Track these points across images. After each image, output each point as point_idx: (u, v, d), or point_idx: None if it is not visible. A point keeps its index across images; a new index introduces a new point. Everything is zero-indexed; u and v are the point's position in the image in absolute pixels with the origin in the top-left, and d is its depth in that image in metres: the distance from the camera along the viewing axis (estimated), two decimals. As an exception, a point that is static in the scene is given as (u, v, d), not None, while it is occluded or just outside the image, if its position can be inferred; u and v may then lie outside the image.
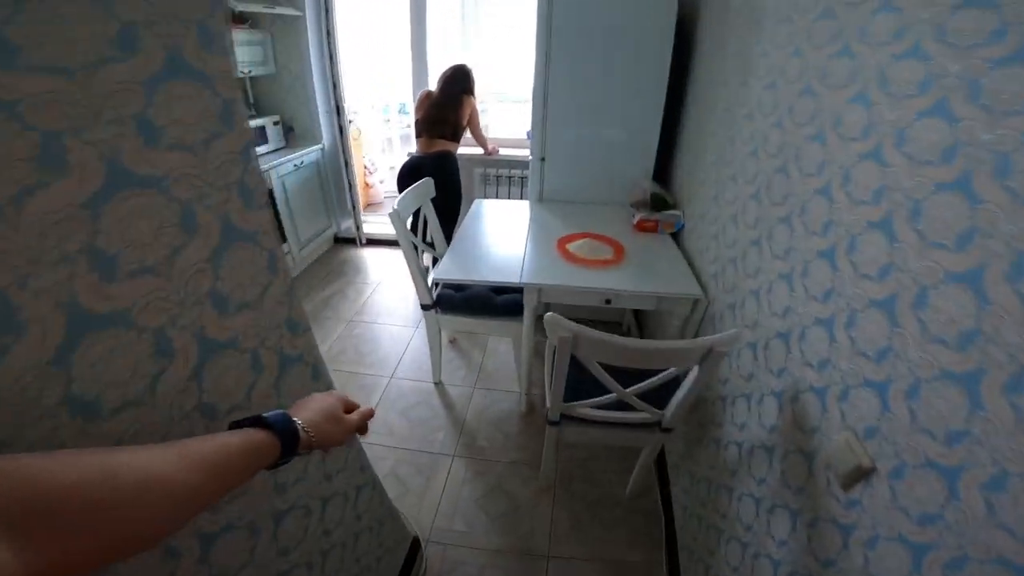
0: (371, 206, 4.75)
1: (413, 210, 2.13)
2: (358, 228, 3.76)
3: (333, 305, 3.16)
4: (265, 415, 0.54)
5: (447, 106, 2.79)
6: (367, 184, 4.64)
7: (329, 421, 0.60)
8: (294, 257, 3.35)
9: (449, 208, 2.89)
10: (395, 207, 1.91)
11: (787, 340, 1.08)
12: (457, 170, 2.88)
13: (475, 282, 1.96)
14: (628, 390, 1.30)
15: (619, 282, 1.77)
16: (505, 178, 3.30)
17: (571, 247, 1.96)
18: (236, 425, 0.53)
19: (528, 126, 3.37)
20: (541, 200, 2.49)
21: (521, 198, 3.38)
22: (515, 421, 2.25)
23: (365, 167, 4.63)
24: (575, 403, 1.45)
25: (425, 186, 2.23)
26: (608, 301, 1.79)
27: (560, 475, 1.97)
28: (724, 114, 1.69)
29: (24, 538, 0.30)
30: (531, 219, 2.30)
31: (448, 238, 2.84)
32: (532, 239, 2.09)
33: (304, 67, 3.24)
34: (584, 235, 2.06)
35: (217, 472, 0.45)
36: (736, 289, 1.44)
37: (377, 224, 4.07)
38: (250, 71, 3.03)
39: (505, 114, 3.83)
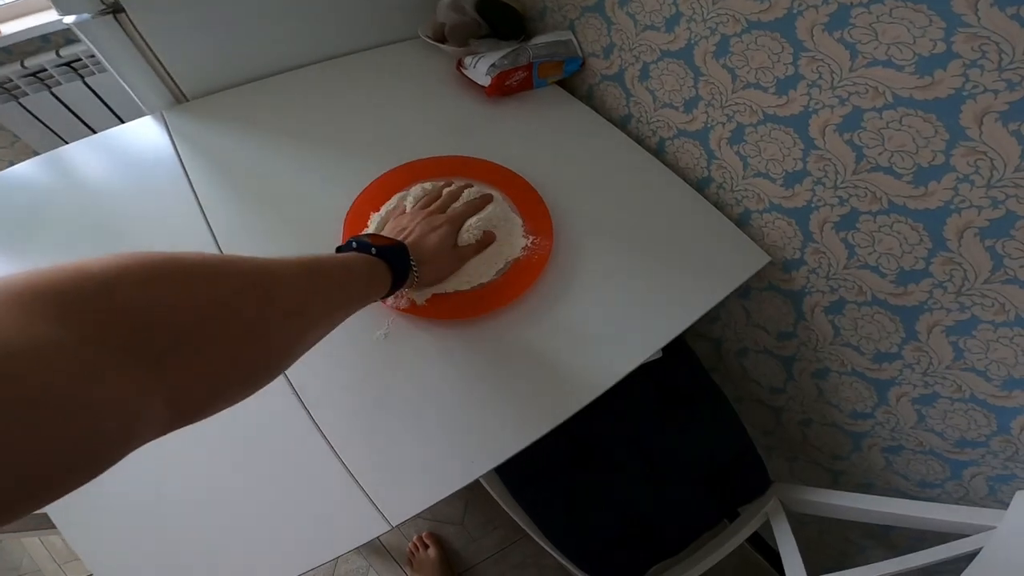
0: None
1: None
2: None
3: None
4: (383, 246, 0.51)
5: None
6: None
7: (438, 259, 0.58)
8: None
9: None
10: None
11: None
12: None
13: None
14: None
15: (591, 340, 0.63)
16: (60, 69, 1.38)
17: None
18: (356, 247, 0.50)
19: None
20: (183, 101, 0.87)
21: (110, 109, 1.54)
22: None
23: None
24: None
25: None
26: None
27: None
28: None
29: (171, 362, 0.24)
30: (188, 178, 0.75)
31: None
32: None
33: None
34: (402, 173, 0.72)
35: (343, 284, 0.44)
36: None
37: None
38: None
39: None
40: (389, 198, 0.69)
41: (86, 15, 0.72)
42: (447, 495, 0.52)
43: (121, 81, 0.82)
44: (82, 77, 1.44)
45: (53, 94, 1.43)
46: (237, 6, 0.81)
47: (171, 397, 0.25)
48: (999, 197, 0.51)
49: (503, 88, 0.86)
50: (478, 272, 0.62)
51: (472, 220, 0.64)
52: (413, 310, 0.60)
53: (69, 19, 0.72)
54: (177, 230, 0.70)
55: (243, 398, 0.31)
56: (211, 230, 0.70)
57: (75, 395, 0.19)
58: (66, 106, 1.48)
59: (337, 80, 0.91)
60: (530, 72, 0.87)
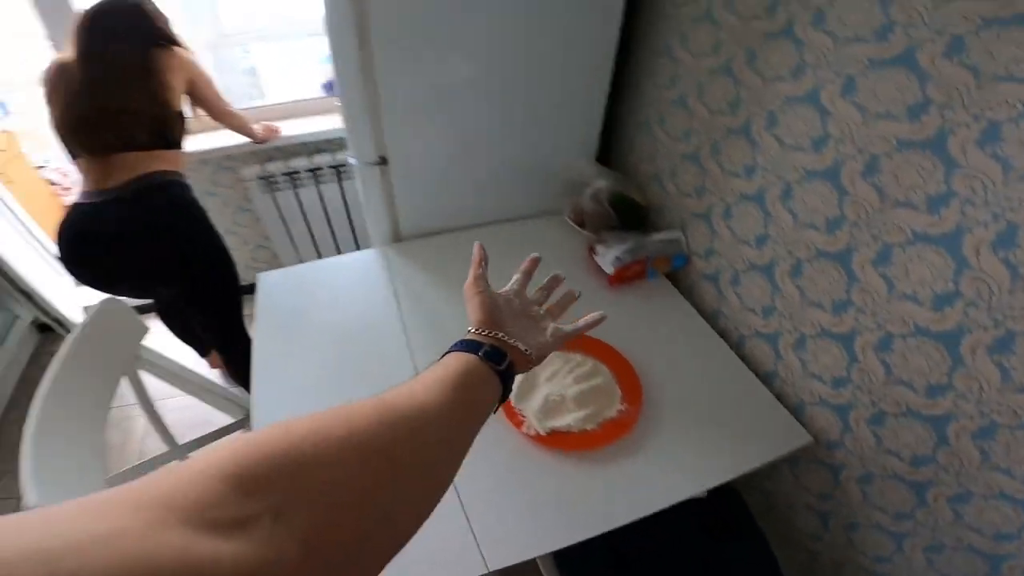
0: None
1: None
2: (59, 323, 2.11)
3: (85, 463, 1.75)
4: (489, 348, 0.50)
5: (119, 85, 1.31)
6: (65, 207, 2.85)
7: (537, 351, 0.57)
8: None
9: (206, 294, 1.54)
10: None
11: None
12: (191, 207, 1.44)
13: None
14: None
15: (656, 476, 0.84)
16: (307, 174, 1.94)
17: (532, 407, 0.89)
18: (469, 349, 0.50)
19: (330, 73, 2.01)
20: (398, 241, 1.28)
21: (348, 214, 2.08)
22: None
23: (53, 184, 2.82)
24: None
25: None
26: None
27: None
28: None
29: (286, 514, 0.25)
30: (400, 312, 1.10)
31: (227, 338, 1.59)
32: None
33: None
34: None
35: (459, 392, 0.43)
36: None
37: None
38: None
39: (288, 61, 2.30)
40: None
41: (366, 167, 1.14)
42: (540, 554, 0.73)
43: (365, 212, 1.24)
44: (318, 184, 1.99)
45: (295, 193, 1.98)
46: (455, 170, 1.20)
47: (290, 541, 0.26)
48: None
49: (622, 278, 1.13)
50: (587, 423, 0.87)
51: (582, 386, 0.91)
52: (537, 438, 0.86)
53: (352, 160, 1.14)
54: (390, 360, 1.00)
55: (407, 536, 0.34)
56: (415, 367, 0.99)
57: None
58: (298, 203, 2.03)
59: (503, 239, 1.26)
60: (645, 265, 1.14)
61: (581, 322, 0.63)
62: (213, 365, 2.10)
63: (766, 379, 1.00)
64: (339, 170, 1.95)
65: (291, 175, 1.92)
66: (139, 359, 1.00)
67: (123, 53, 1.31)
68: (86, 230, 1.32)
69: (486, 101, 1.12)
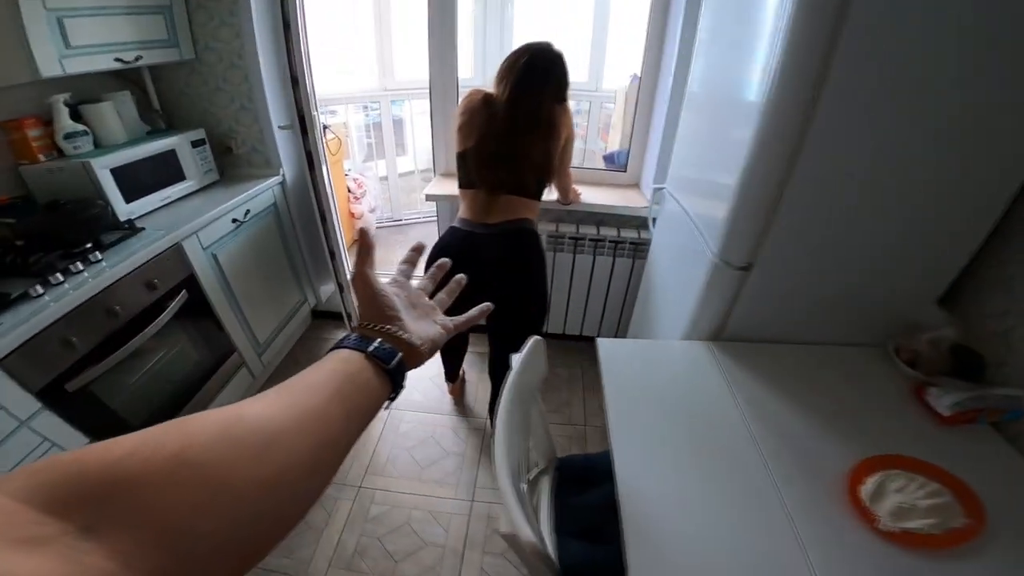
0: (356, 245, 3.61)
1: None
2: (348, 316, 2.56)
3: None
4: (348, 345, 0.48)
5: (529, 131, 1.48)
6: (352, 215, 3.49)
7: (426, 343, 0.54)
8: (252, 369, 2.28)
9: (524, 329, 1.75)
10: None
11: None
12: (543, 261, 1.68)
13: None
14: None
15: None
16: (589, 243, 2.23)
17: (883, 509, 1.01)
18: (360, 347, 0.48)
19: (617, 144, 2.31)
20: (717, 339, 1.45)
21: (608, 289, 2.32)
22: None
23: (349, 191, 3.48)
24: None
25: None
26: None
27: None
28: None
29: (105, 538, 0.24)
30: (741, 411, 1.24)
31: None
32: (778, 474, 1.10)
33: (246, 45, 2.05)
34: (881, 460, 1.11)
35: (336, 402, 0.41)
36: None
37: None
38: (138, 57, 1.83)
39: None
40: (870, 476, 1.07)
41: (727, 269, 1.28)
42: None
43: (697, 306, 1.42)
44: (595, 254, 2.23)
45: (573, 257, 2.25)
46: (805, 288, 1.32)
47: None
48: None
49: (955, 422, 1.19)
50: (933, 529, 0.97)
51: (932, 500, 1.01)
52: (889, 534, 0.97)
53: (712, 257, 1.30)
54: (739, 454, 1.12)
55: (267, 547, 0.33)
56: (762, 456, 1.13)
57: None
58: (572, 266, 2.30)
59: (818, 362, 1.37)
60: (979, 413, 1.20)
61: (465, 316, 0.62)
62: (452, 392, 2.36)
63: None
64: (617, 245, 2.20)
65: (576, 239, 2.21)
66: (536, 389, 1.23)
67: (543, 104, 1.48)
68: (466, 256, 1.38)
69: (870, 226, 1.23)
